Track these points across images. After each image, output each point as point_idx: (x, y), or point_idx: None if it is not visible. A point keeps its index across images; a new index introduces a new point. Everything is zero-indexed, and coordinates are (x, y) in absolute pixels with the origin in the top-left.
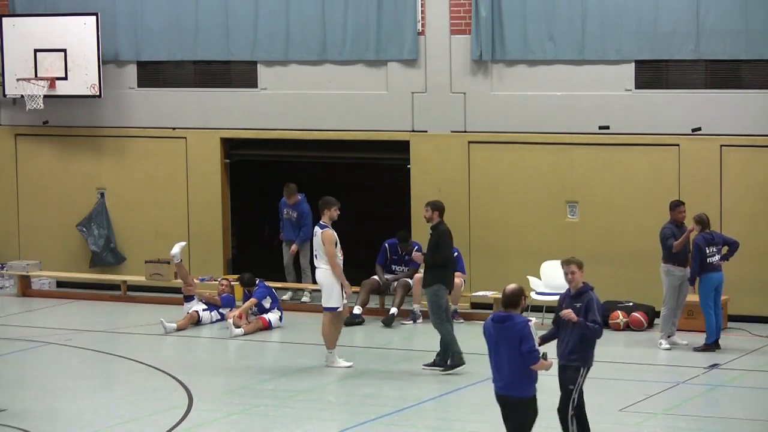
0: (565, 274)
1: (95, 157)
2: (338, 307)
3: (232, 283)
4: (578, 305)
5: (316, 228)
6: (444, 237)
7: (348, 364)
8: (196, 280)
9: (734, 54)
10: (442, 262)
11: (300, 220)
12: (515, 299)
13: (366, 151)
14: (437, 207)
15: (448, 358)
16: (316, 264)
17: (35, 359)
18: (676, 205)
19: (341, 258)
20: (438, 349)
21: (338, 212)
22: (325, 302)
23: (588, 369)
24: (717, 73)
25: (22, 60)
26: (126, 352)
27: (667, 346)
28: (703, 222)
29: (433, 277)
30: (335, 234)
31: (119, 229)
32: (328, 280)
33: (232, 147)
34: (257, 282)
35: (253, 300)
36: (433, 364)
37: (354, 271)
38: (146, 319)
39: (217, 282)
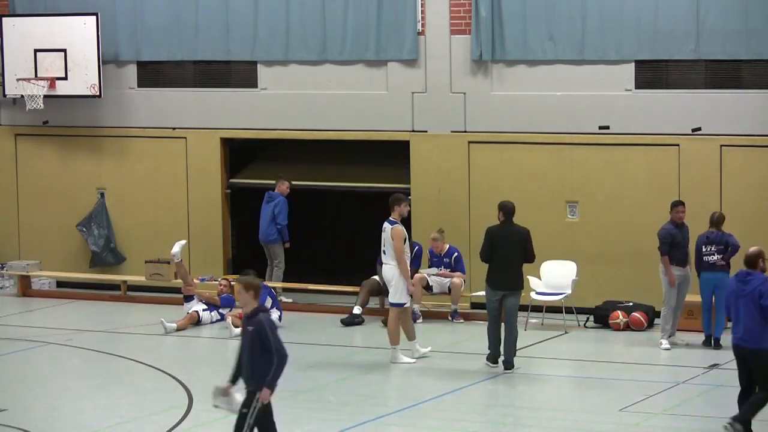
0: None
1: (95, 157)
2: (405, 303)
3: (232, 282)
4: (250, 328)
5: (386, 224)
6: (484, 236)
7: (412, 360)
8: (196, 280)
9: (734, 54)
10: (484, 261)
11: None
12: (754, 260)
13: (366, 152)
14: (500, 207)
15: (501, 355)
16: (383, 260)
17: (35, 359)
18: (675, 205)
19: (408, 255)
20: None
21: (408, 208)
22: (393, 298)
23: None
24: (717, 73)
25: (22, 60)
26: (126, 352)
27: (668, 346)
28: (711, 221)
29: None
30: (404, 230)
31: (119, 229)
32: (396, 276)
33: (232, 170)
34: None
35: None
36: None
37: (355, 271)
38: (146, 319)
39: (217, 282)
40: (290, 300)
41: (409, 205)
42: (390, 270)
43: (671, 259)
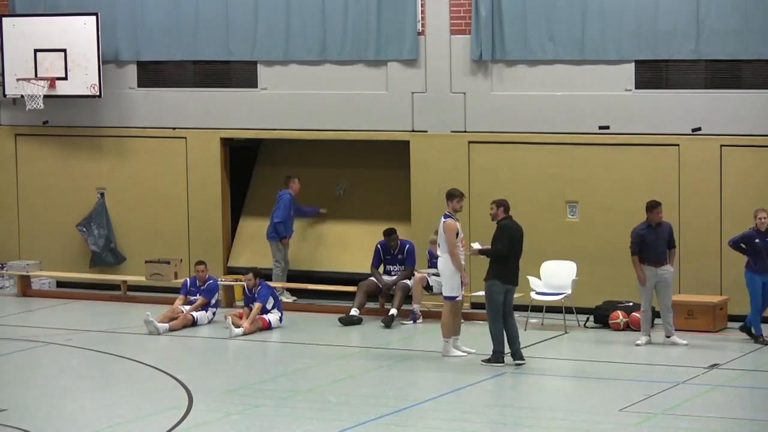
0: None
1: (95, 157)
2: (458, 297)
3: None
4: None
5: (442, 218)
6: (501, 231)
7: (465, 352)
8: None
9: (734, 54)
10: (495, 256)
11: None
12: None
13: (366, 152)
14: (501, 204)
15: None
16: (438, 253)
17: (35, 359)
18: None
19: (462, 249)
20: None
21: (461, 204)
22: (445, 291)
23: None
24: (717, 73)
25: (22, 60)
26: (126, 352)
27: (640, 342)
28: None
29: (489, 271)
30: (457, 224)
31: (119, 229)
32: (449, 269)
33: (233, 172)
34: (259, 282)
35: (259, 305)
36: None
37: (354, 272)
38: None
39: (196, 269)
40: (290, 300)
41: (462, 201)
42: (442, 262)
43: (643, 259)
